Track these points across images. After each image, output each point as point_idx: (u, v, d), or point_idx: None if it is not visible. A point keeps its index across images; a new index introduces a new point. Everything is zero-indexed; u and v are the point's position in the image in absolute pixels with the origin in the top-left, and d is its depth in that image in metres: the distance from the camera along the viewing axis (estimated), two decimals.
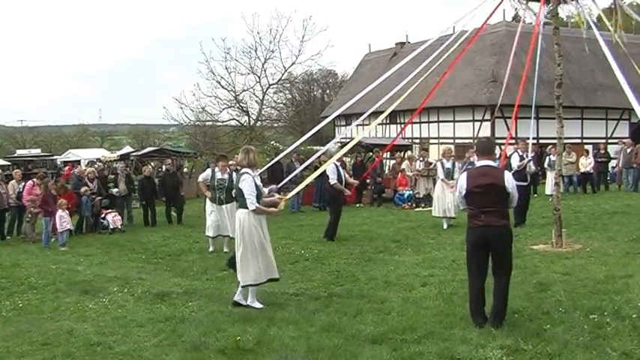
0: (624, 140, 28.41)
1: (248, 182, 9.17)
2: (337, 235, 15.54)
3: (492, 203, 7.62)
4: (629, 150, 26.24)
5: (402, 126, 34.52)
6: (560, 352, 6.53)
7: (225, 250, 14.26)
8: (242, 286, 9.28)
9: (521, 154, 16.66)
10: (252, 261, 9.12)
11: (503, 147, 18.62)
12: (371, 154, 26.19)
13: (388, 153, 30.94)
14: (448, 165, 17.40)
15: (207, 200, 14.87)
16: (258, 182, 9.39)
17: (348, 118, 39.44)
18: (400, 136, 37.05)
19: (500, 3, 13.99)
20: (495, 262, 7.72)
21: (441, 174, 17.32)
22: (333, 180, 15.44)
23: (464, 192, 7.75)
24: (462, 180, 7.89)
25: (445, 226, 16.77)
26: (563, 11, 13.87)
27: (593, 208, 19.58)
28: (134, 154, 38.07)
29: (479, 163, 7.94)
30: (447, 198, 16.63)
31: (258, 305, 9.20)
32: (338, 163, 15.48)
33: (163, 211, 21.57)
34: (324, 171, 14.10)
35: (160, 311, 9.19)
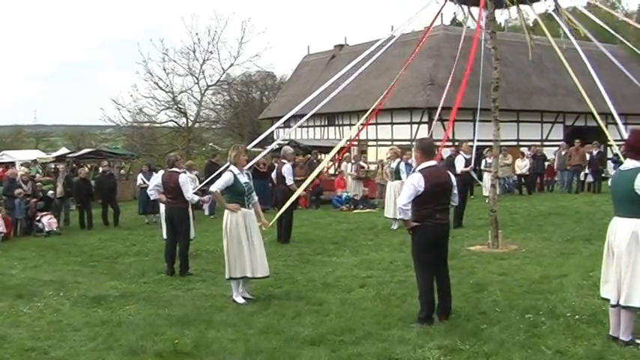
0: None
1: (225, 175, 9.60)
2: (274, 236, 15.38)
3: (444, 202, 7.90)
4: (563, 152, 26.76)
5: (346, 127, 34.61)
6: (497, 352, 6.62)
7: None
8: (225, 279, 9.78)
9: (466, 157, 16.84)
10: (230, 256, 9.46)
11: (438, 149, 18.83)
12: (309, 155, 26.16)
13: (324, 155, 31.00)
14: (393, 165, 17.46)
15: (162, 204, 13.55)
16: (245, 180, 9.70)
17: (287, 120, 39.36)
18: (340, 137, 37.20)
19: (443, 6, 14.19)
20: (441, 258, 7.91)
21: (404, 176, 16.46)
22: (290, 181, 15.21)
23: (421, 190, 7.56)
24: (417, 180, 7.66)
25: (395, 227, 16.63)
26: (501, 16, 14.10)
27: (529, 210, 19.93)
28: (70, 155, 37.45)
29: (427, 164, 7.81)
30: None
31: (239, 300, 9.48)
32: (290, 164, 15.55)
33: (100, 214, 21.19)
34: (269, 172, 13.96)
35: (96, 315, 9.03)
